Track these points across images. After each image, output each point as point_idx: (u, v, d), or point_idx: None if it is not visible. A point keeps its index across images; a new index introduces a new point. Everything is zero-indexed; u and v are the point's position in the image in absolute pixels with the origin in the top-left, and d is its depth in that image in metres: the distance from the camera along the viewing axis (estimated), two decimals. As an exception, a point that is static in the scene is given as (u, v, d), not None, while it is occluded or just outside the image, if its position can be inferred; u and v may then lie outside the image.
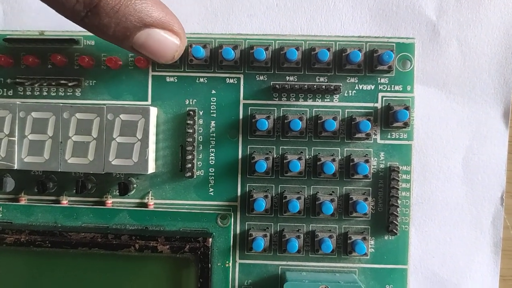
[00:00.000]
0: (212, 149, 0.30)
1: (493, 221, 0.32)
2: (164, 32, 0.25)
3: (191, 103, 0.30)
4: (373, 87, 0.30)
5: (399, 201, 0.29)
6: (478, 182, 0.32)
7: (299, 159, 0.29)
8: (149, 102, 0.30)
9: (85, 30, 0.29)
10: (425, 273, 0.32)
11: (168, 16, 0.25)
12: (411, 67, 0.29)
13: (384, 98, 0.30)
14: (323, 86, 0.29)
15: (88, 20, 0.24)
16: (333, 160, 0.29)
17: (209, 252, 0.28)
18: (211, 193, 0.30)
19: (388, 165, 0.30)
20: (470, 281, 0.32)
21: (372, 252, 0.30)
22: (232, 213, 0.30)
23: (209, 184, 0.30)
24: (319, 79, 0.30)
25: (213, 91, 0.30)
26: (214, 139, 0.30)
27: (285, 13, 0.32)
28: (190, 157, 0.29)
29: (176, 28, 0.26)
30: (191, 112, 0.29)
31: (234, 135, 0.30)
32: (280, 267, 0.30)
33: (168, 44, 0.26)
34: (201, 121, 0.30)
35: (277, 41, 0.30)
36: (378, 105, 0.30)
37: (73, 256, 0.29)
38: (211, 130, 0.30)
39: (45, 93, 0.30)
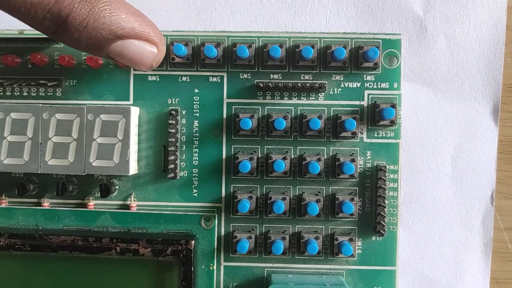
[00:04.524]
0: (196, 149, 0.29)
1: (483, 220, 0.31)
2: (139, 42, 0.25)
3: (173, 102, 0.29)
4: (359, 84, 0.29)
5: (386, 201, 0.28)
6: (467, 181, 0.31)
7: (284, 158, 0.28)
8: (131, 101, 0.29)
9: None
10: (414, 274, 0.32)
11: (142, 25, 0.24)
12: (398, 64, 0.29)
13: (370, 96, 0.29)
14: (308, 84, 0.28)
15: (58, 36, 0.23)
16: (319, 159, 0.28)
17: (192, 255, 0.28)
18: (195, 194, 0.29)
19: (375, 164, 0.29)
20: (460, 282, 0.31)
21: (359, 253, 0.29)
22: (216, 215, 0.29)
23: (193, 185, 0.29)
24: (303, 77, 0.29)
25: (196, 90, 0.29)
26: (197, 139, 0.29)
27: (268, 9, 0.32)
28: (173, 157, 0.29)
29: (152, 37, 0.25)
30: (174, 112, 0.29)
31: (217, 134, 0.29)
32: (265, 269, 0.29)
33: (144, 53, 0.25)
34: (184, 121, 0.29)
35: (260, 39, 0.29)
36: (364, 103, 0.29)
37: (53, 260, 0.28)
38: (194, 129, 0.29)
39: (25, 94, 0.30)
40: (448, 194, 0.31)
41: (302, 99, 0.29)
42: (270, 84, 0.28)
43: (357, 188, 0.29)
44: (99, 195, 0.29)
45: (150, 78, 0.29)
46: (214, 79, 0.29)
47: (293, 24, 0.32)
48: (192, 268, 0.28)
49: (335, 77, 0.29)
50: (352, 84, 0.29)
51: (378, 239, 0.29)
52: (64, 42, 0.24)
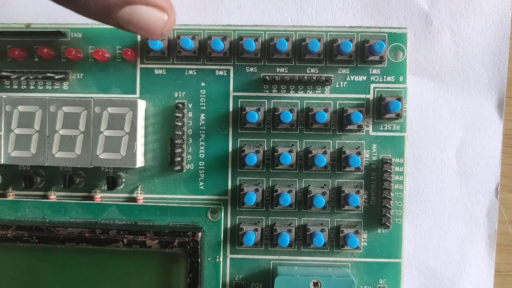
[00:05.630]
0: (202, 142, 0.30)
1: (488, 213, 0.31)
2: (148, 8, 0.24)
3: (180, 95, 0.29)
4: (365, 78, 0.29)
5: (392, 194, 0.29)
6: (472, 174, 0.31)
7: (290, 151, 0.29)
8: (138, 95, 0.30)
9: (72, 22, 0.29)
10: (419, 267, 0.32)
11: None
12: (404, 58, 0.29)
13: (376, 89, 0.29)
14: (314, 78, 0.28)
15: (66, 1, 0.23)
16: (325, 152, 0.29)
17: (199, 247, 0.28)
18: (201, 187, 0.30)
19: (380, 157, 0.29)
20: (464, 275, 0.31)
21: (364, 245, 0.29)
22: (223, 207, 0.29)
23: (199, 178, 0.30)
24: (310, 70, 0.29)
25: (203, 83, 0.29)
26: (203, 132, 0.30)
27: (275, 3, 0.32)
28: (179, 150, 0.29)
29: (160, 2, 0.25)
30: (180, 105, 0.29)
31: (224, 128, 0.30)
32: (271, 261, 0.29)
33: (154, 20, 0.25)
34: (190, 114, 0.29)
35: (267, 32, 0.29)
36: (370, 96, 0.29)
37: (61, 252, 0.28)
38: (200, 123, 0.29)
39: (32, 87, 0.30)
40: (453, 187, 0.31)
41: (308, 92, 0.29)
42: (276, 77, 0.29)
43: (363, 181, 0.29)
44: (106, 188, 0.29)
45: (156, 72, 0.30)
46: (221, 73, 0.29)
47: (299, 18, 0.32)
48: (199, 260, 0.28)
49: (341, 71, 0.29)
50: (358, 77, 0.29)
51: (383, 231, 0.29)
52: (72, 9, 0.24)
